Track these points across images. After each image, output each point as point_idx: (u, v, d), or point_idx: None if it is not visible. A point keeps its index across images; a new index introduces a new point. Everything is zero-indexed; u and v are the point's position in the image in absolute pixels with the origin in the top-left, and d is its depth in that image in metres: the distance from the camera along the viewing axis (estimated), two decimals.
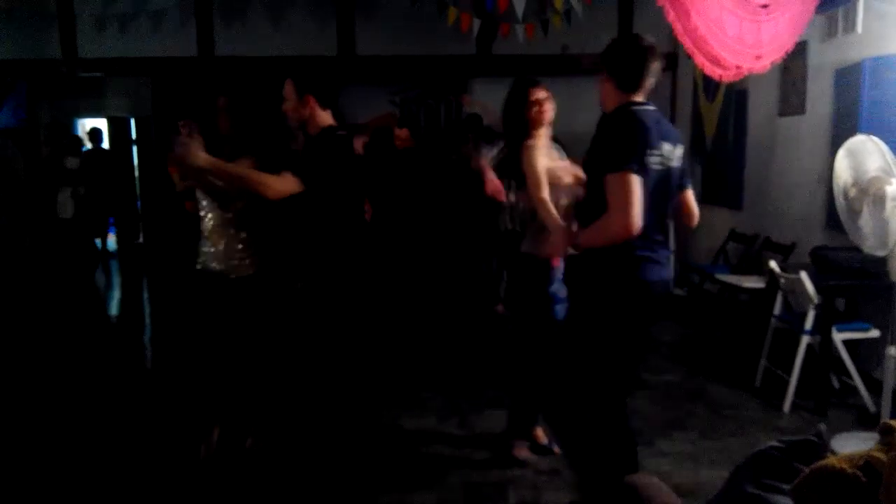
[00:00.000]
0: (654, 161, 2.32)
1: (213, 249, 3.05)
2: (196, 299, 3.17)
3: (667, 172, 2.39)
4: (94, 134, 8.83)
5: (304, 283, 2.98)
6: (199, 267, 3.11)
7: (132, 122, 9.69)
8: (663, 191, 2.41)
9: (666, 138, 2.38)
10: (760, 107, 5.51)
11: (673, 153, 2.41)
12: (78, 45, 7.36)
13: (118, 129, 9.89)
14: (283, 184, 2.70)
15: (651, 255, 2.41)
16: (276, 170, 2.73)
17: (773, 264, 4.01)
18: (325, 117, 2.89)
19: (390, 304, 5.07)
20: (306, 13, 7.41)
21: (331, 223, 2.89)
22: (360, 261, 2.97)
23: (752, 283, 4.69)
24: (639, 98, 2.44)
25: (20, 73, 7.66)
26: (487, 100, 8.29)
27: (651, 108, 2.43)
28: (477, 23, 5.70)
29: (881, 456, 1.15)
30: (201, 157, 2.68)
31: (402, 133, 5.32)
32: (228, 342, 3.11)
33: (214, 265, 3.05)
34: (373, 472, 3.14)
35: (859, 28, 4.22)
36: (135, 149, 9.70)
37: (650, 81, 2.44)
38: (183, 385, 4.09)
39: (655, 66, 2.43)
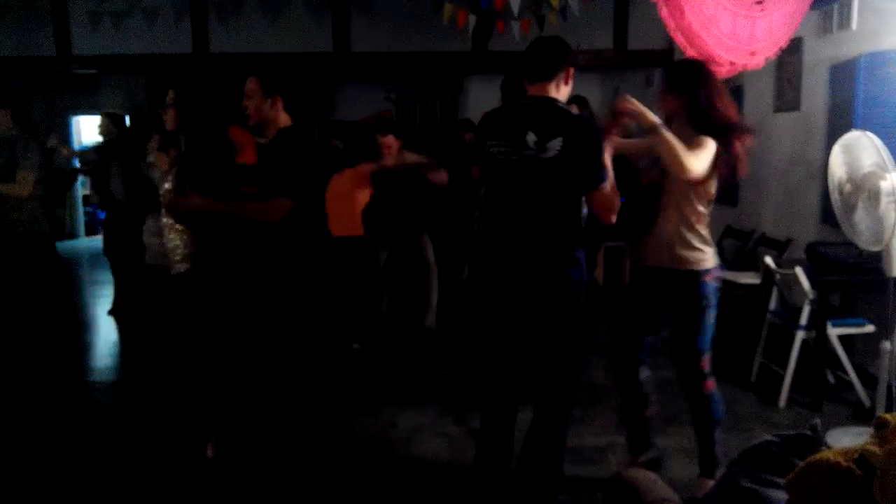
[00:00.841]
0: (495, 148, 2.40)
1: (159, 243, 3.01)
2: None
3: (526, 161, 2.35)
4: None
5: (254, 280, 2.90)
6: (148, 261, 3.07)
7: (127, 119, 9.65)
8: (521, 179, 2.38)
9: (534, 128, 2.34)
10: (755, 103, 5.52)
11: (546, 145, 2.32)
12: (72, 43, 7.34)
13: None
14: (282, 208, 2.70)
15: (493, 240, 2.50)
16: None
17: (768, 260, 4.02)
18: (285, 119, 2.86)
19: (387, 302, 5.07)
20: (302, 10, 7.38)
21: (292, 222, 2.82)
22: (316, 257, 2.92)
23: (748, 278, 4.70)
24: (541, 91, 2.42)
25: (14, 71, 7.63)
26: (483, 96, 8.31)
27: (538, 99, 2.42)
28: (472, 19, 5.69)
29: (875, 449, 1.15)
30: (195, 202, 2.70)
31: (388, 140, 4.61)
32: (178, 339, 3.08)
33: (158, 260, 3.02)
34: (370, 472, 3.14)
35: (854, 24, 4.23)
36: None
37: (552, 74, 2.40)
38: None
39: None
